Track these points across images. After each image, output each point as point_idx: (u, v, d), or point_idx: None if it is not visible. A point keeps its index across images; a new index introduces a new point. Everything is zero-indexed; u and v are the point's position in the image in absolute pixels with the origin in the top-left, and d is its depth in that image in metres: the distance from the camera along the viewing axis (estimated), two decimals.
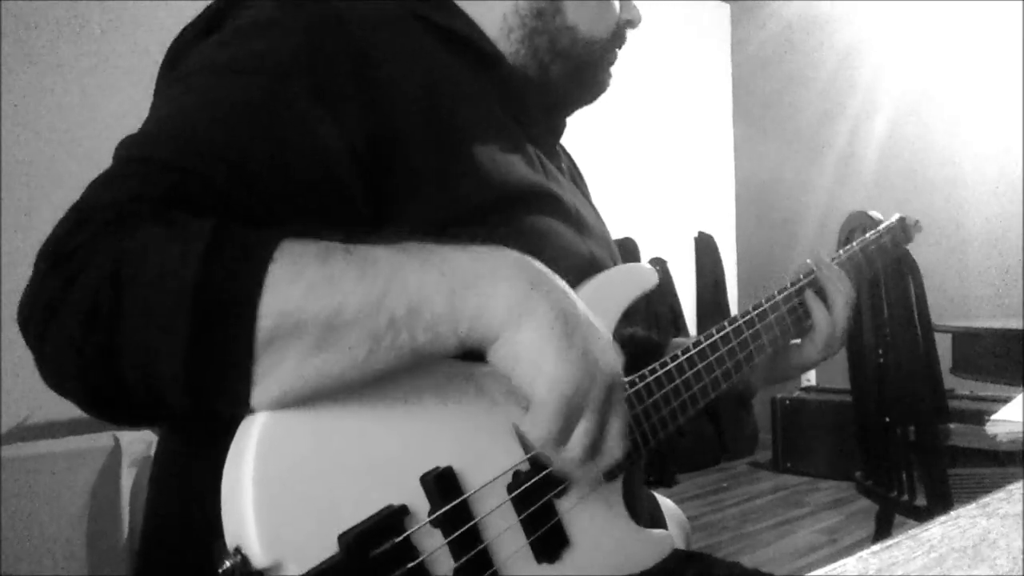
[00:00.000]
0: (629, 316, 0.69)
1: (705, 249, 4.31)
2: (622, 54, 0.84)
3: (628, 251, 3.80)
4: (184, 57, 0.61)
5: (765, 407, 3.96)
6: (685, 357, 0.73)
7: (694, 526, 2.96)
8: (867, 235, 0.96)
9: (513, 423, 0.57)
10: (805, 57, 4.30)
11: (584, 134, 3.76)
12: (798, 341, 0.85)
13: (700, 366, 0.73)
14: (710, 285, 4.27)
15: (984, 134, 3.64)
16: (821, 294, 0.84)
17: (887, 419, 1.64)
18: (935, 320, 1.99)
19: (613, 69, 0.83)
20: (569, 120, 0.87)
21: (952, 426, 2.28)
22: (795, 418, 3.79)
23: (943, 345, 2.01)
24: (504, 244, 0.57)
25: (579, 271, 0.68)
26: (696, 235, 4.33)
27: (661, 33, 4.28)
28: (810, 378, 4.19)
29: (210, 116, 0.54)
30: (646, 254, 3.89)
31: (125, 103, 2.35)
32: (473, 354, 0.52)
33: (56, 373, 0.47)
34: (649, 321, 3.71)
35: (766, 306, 0.81)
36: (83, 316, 0.44)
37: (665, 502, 0.97)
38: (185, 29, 0.64)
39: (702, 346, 0.74)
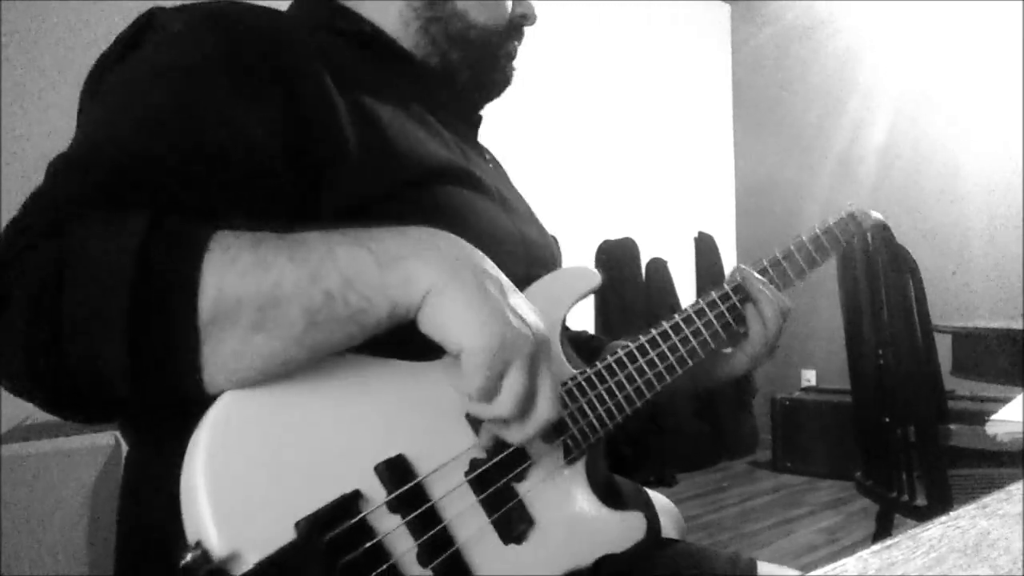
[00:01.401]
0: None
1: (705, 249, 4.31)
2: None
3: (628, 251, 3.80)
4: (105, 76, 0.63)
5: (765, 407, 3.96)
6: (642, 342, 0.76)
7: (693, 526, 2.97)
8: (816, 229, 1.00)
9: (451, 384, 0.58)
10: (805, 58, 4.30)
11: (584, 134, 3.77)
12: (729, 350, 0.87)
13: (653, 354, 0.76)
14: (710, 285, 4.26)
15: (984, 134, 3.64)
16: (755, 304, 0.86)
17: (887, 419, 1.64)
18: (935, 320, 1.99)
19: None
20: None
21: (952, 427, 2.28)
22: (795, 418, 3.79)
23: (943, 345, 2.01)
24: (426, 218, 0.59)
25: (507, 244, 0.71)
26: (696, 235, 4.33)
27: (661, 33, 4.28)
28: (810, 378, 4.19)
29: (135, 120, 0.56)
30: (646, 254, 3.89)
31: None
32: (422, 354, 0.55)
33: (9, 376, 0.48)
34: (649, 321, 3.71)
35: (691, 311, 0.82)
36: (28, 318, 0.46)
37: (658, 498, 0.97)
38: (103, 55, 0.66)
39: (655, 333, 0.77)
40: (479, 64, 0.82)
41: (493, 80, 0.85)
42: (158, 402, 0.49)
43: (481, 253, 0.57)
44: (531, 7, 0.85)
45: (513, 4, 0.83)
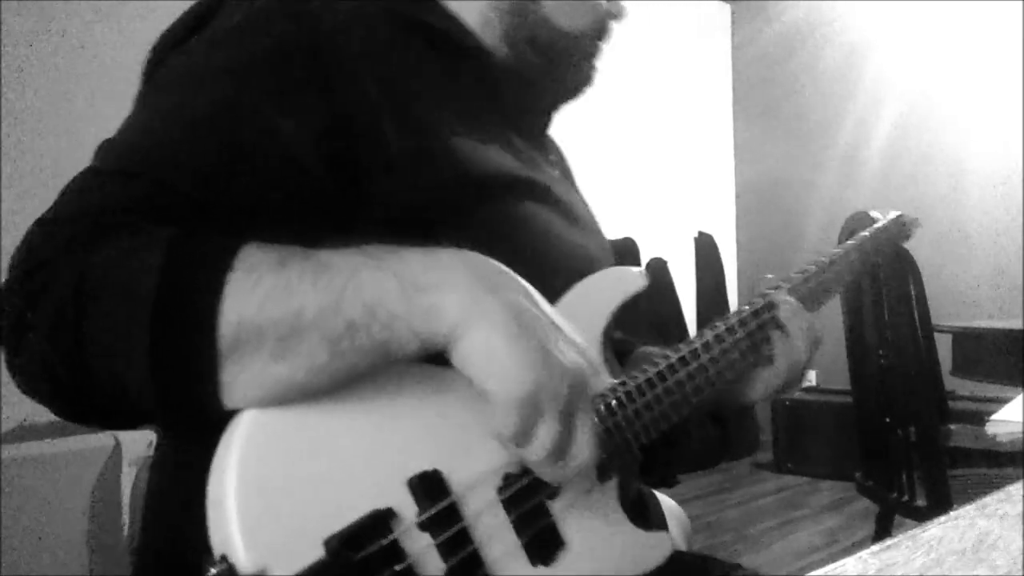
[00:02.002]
0: (621, 318, 0.69)
1: (705, 249, 4.30)
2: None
3: (628, 251, 3.80)
4: (162, 63, 0.63)
5: (766, 408, 3.96)
6: (684, 354, 0.71)
7: (695, 526, 2.96)
8: (864, 233, 0.95)
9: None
10: (806, 58, 4.30)
11: (585, 134, 3.76)
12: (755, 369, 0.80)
13: (693, 366, 0.71)
14: (710, 285, 4.27)
15: (985, 134, 3.64)
16: (783, 329, 0.78)
17: (887, 420, 1.64)
18: (935, 320, 1.99)
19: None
20: (557, 114, 0.86)
21: (952, 427, 2.27)
22: (796, 419, 3.79)
23: (943, 346, 2.01)
24: (493, 232, 0.57)
25: (570, 259, 0.68)
26: (696, 235, 4.33)
27: (661, 33, 4.27)
28: (811, 379, 4.19)
29: (176, 126, 0.56)
30: (646, 254, 3.89)
31: (126, 103, 2.34)
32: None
33: (29, 384, 0.48)
34: (652, 321, 3.71)
35: (730, 323, 0.76)
36: (49, 332, 0.45)
37: (665, 500, 0.96)
38: (164, 34, 0.65)
39: (697, 344, 0.72)
40: (558, 68, 0.78)
41: (572, 84, 0.81)
42: (181, 417, 0.49)
43: (522, 281, 0.54)
44: (621, 6, 0.80)
45: (601, 3, 0.79)
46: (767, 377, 0.78)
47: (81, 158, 0.56)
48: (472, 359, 0.50)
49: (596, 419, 0.55)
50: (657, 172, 4.20)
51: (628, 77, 4.03)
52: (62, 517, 1.79)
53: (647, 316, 3.72)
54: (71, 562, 1.79)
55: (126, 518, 1.87)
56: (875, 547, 0.43)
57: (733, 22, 4.71)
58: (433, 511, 0.51)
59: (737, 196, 4.69)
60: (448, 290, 0.50)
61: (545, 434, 0.51)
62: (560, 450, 0.52)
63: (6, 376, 0.49)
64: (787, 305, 0.78)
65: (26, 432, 1.96)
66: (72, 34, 2.33)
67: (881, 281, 1.59)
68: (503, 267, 0.54)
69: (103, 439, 1.87)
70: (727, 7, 4.71)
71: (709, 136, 4.60)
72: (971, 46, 3.70)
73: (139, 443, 1.90)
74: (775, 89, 4.47)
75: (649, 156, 4.16)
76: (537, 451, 0.51)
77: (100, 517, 1.84)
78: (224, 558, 0.45)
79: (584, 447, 0.53)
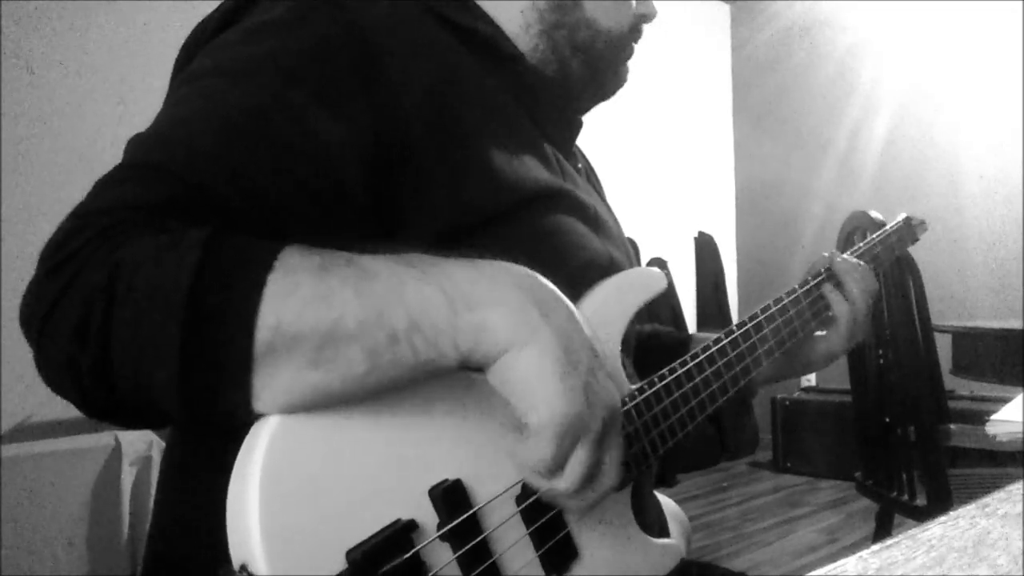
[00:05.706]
0: (638, 317, 0.69)
1: (705, 249, 4.31)
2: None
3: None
4: (197, 54, 0.60)
5: (765, 407, 3.96)
6: (701, 359, 0.71)
7: (694, 526, 2.96)
8: (873, 236, 0.96)
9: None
10: (805, 58, 4.30)
11: (584, 134, 3.77)
12: (822, 332, 0.86)
13: (711, 370, 0.71)
14: (710, 285, 4.27)
15: (984, 134, 3.64)
16: (839, 286, 0.85)
17: (887, 419, 1.64)
18: (935, 320, 1.99)
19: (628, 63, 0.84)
20: (586, 118, 0.86)
21: (952, 426, 2.28)
22: (795, 418, 3.79)
23: (943, 345, 2.01)
24: (524, 245, 0.56)
25: (599, 271, 0.67)
26: (696, 235, 4.33)
27: (661, 33, 4.27)
28: (810, 378, 4.19)
29: (212, 122, 0.53)
30: (646, 254, 3.89)
31: (125, 103, 2.35)
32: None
33: (53, 378, 0.47)
34: (650, 322, 3.71)
35: (774, 309, 0.80)
36: (75, 328, 0.44)
37: (666, 501, 0.97)
38: (200, 25, 0.63)
39: (714, 348, 0.73)
40: (598, 71, 0.79)
41: (609, 85, 0.82)
42: (206, 420, 0.47)
43: (564, 299, 0.52)
44: (652, 6, 0.81)
45: (635, 4, 0.79)
46: (831, 336, 0.85)
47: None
48: (517, 383, 0.49)
49: (624, 446, 0.55)
50: (657, 172, 4.20)
51: (628, 76, 4.03)
52: (62, 517, 1.79)
53: (647, 317, 3.72)
54: (71, 562, 1.79)
55: (126, 518, 1.87)
56: (875, 546, 0.43)
57: (732, 22, 4.72)
58: (454, 523, 0.51)
59: (737, 196, 4.69)
60: (497, 308, 0.48)
61: (577, 465, 0.50)
62: (588, 481, 0.52)
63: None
64: (842, 260, 0.85)
65: (26, 432, 1.96)
66: (75, 34, 2.33)
67: (880, 281, 1.59)
68: (547, 282, 0.52)
69: (103, 439, 1.87)
70: (726, 7, 4.71)
71: (709, 136, 4.60)
72: (969, 47, 3.70)
73: (139, 443, 1.90)
74: (774, 89, 4.47)
75: (649, 156, 4.16)
76: (567, 481, 0.51)
77: (100, 517, 1.84)
78: (244, 567, 0.44)
79: (611, 474, 0.53)
